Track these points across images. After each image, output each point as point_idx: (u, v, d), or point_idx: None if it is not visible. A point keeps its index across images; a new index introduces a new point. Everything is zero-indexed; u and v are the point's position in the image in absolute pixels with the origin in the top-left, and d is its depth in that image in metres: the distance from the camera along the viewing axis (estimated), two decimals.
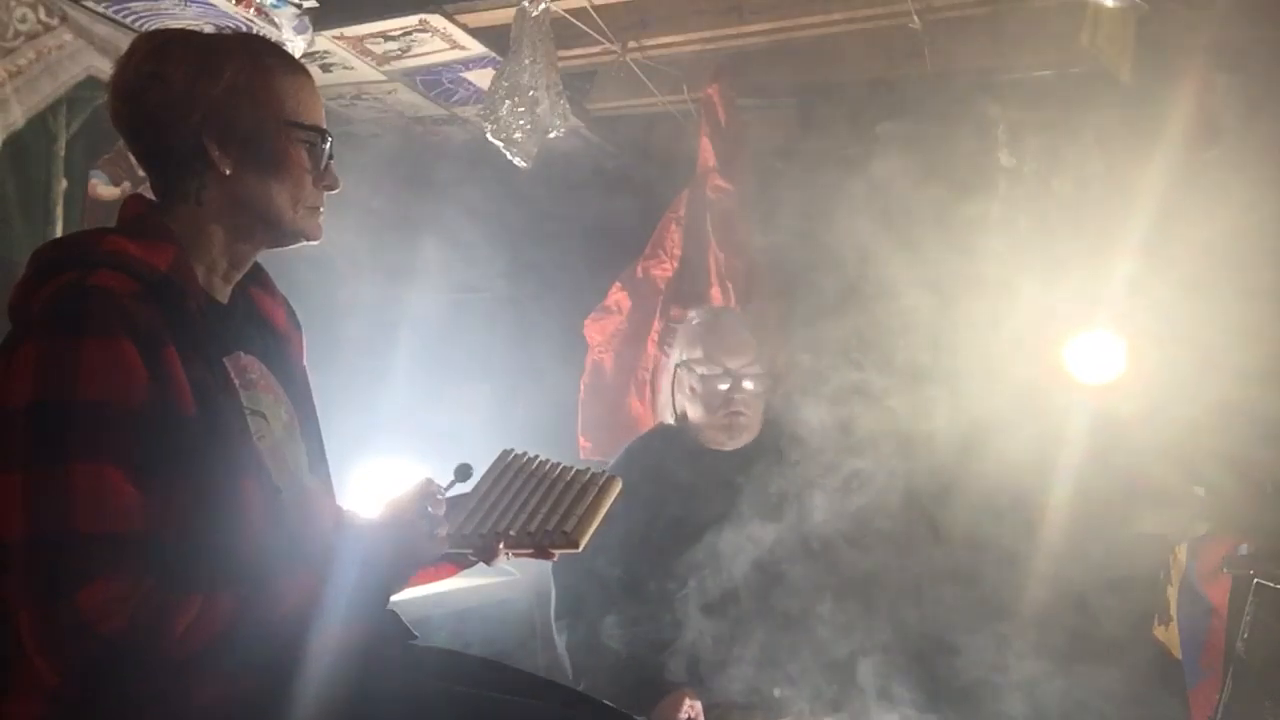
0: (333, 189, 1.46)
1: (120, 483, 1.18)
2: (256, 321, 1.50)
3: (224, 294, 1.45)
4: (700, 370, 2.45)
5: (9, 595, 1.17)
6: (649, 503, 2.34)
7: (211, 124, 1.36)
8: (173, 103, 1.35)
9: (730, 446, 2.47)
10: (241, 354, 1.40)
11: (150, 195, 1.43)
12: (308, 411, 1.53)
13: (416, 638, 1.55)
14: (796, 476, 2.36)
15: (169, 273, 1.31)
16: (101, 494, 1.17)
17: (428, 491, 1.40)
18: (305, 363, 1.58)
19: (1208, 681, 2.48)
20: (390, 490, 1.42)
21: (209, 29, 1.50)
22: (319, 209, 1.46)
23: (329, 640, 1.28)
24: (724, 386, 2.44)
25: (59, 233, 2.73)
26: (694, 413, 2.48)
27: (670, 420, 2.56)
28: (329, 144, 1.44)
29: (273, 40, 1.49)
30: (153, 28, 2.83)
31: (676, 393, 2.53)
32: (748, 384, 2.45)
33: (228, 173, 1.37)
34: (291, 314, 1.58)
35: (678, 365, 2.53)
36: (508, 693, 1.47)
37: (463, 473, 1.51)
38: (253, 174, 1.38)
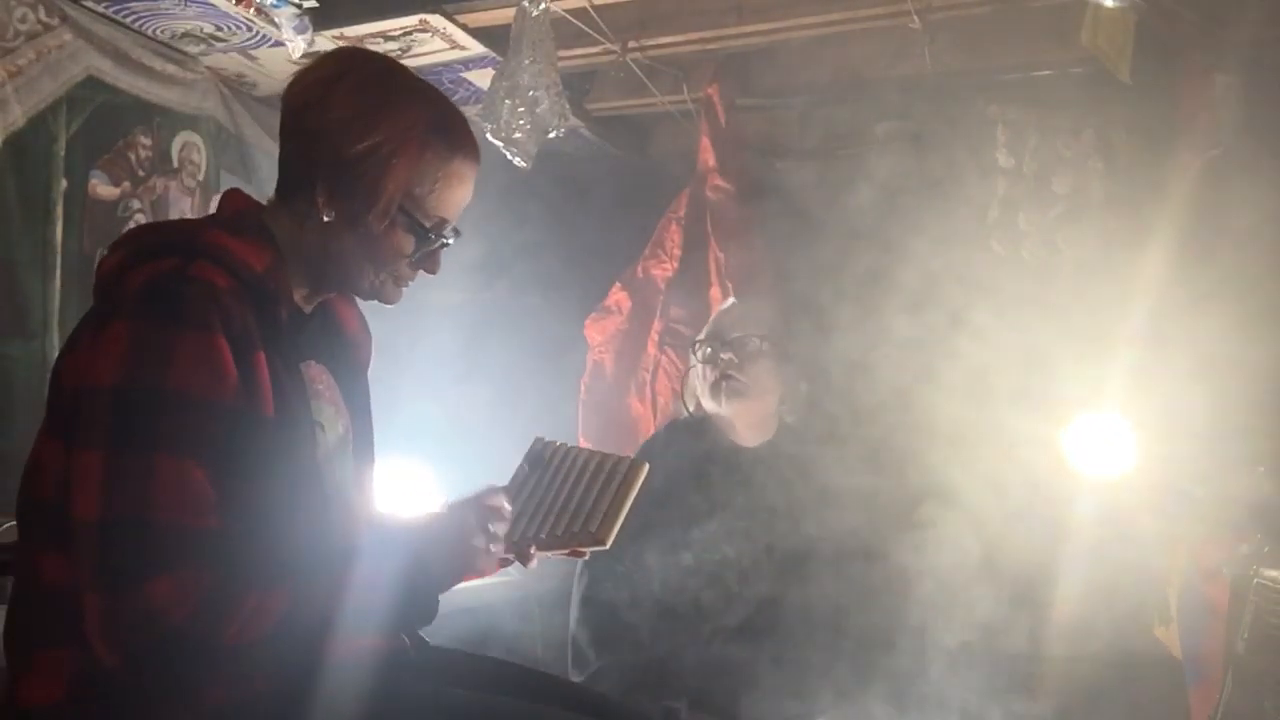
0: (430, 273, 1.45)
1: (199, 478, 1.17)
2: (331, 329, 1.50)
3: (309, 302, 1.44)
4: (706, 349, 2.46)
5: (79, 577, 1.16)
6: (663, 498, 2.31)
7: (331, 175, 1.33)
8: (311, 135, 1.34)
9: (740, 437, 2.46)
10: (313, 363, 1.41)
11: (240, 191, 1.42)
12: (364, 423, 1.52)
13: (426, 640, 1.55)
14: (803, 486, 2.33)
15: (265, 275, 1.30)
16: (180, 487, 1.16)
17: (494, 505, 1.36)
18: (370, 372, 1.57)
19: (1208, 681, 2.48)
20: (430, 495, 1.40)
21: (402, 65, 1.43)
22: (406, 281, 1.44)
23: (373, 640, 1.30)
24: (714, 349, 2.44)
25: (59, 233, 2.73)
26: (702, 396, 2.49)
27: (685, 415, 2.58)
28: (438, 244, 1.41)
29: (458, 112, 1.43)
30: (156, 28, 2.86)
31: (687, 396, 2.57)
32: (743, 348, 2.42)
33: (326, 220, 1.35)
34: (362, 319, 1.57)
35: (690, 369, 2.56)
36: (513, 694, 1.47)
37: (535, 458, 1.53)
38: (348, 234, 1.36)
